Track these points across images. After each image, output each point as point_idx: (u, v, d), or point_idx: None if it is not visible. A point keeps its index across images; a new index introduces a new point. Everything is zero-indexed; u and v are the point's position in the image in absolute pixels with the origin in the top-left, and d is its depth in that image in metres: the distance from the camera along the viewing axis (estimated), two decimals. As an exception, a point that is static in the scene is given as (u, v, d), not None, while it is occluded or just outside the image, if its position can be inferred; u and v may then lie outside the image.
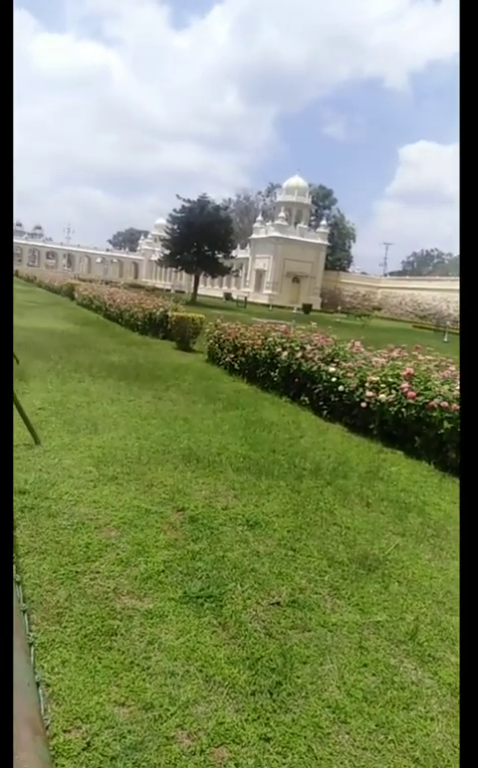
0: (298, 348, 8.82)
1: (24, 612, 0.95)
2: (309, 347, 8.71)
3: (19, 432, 5.15)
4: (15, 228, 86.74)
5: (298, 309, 44.64)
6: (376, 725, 2.29)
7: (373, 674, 2.60)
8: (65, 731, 2.05)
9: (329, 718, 2.30)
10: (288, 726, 2.23)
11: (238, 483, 4.84)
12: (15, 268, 62.69)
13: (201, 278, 47.23)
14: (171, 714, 2.19)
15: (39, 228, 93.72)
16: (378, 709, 2.38)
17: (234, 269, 48.28)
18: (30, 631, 2.43)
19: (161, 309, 15.79)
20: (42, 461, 4.75)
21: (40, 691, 0.75)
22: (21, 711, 0.74)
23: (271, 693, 2.38)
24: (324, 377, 7.96)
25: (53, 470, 4.58)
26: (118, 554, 3.36)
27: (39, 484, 4.22)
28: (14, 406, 4.92)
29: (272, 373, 9.32)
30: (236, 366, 10.68)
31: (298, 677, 2.50)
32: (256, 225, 63.59)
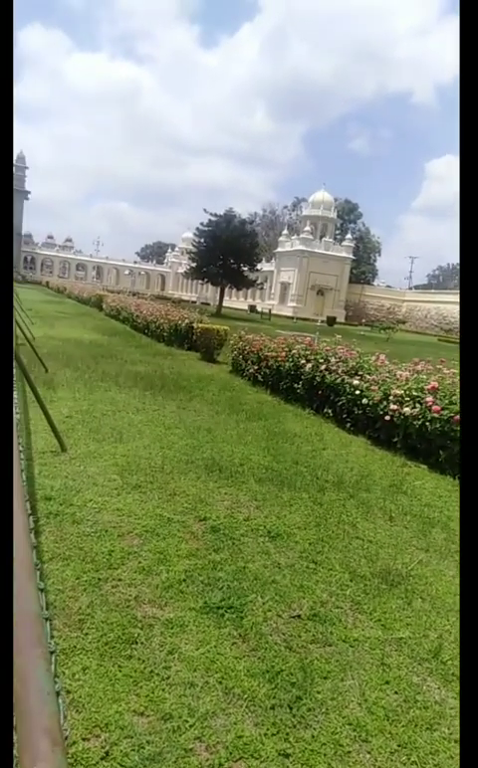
0: (322, 361, 8.80)
1: (47, 620, 0.96)
2: (333, 360, 8.69)
3: (46, 439, 5.23)
4: (46, 240, 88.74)
5: (322, 322, 44.53)
6: (399, 745, 2.24)
7: (396, 693, 2.55)
8: (84, 739, 2.05)
9: (349, 736, 2.26)
10: (308, 743, 2.19)
11: (260, 494, 4.83)
12: (46, 279, 63.95)
13: (226, 290, 47.53)
14: (190, 726, 2.18)
15: (69, 240, 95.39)
16: (401, 729, 2.33)
17: (259, 281, 48.50)
18: (51, 638, 2.45)
19: (187, 321, 15.93)
20: (68, 468, 4.80)
21: (60, 701, 0.75)
22: (40, 721, 0.73)
23: (291, 708, 2.35)
24: (348, 390, 7.92)
25: (78, 477, 4.62)
26: (139, 562, 3.37)
27: (64, 491, 4.27)
28: (43, 413, 5.01)
29: (295, 385, 9.30)
30: (260, 378, 10.70)
31: (318, 693, 2.47)
32: (281, 239, 63.91)
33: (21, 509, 1.45)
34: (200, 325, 14.93)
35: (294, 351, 9.66)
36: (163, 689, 2.35)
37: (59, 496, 4.17)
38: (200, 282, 50.89)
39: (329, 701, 2.42)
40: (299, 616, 3.04)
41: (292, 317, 50.79)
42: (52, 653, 0.93)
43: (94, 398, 7.74)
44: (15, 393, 2.54)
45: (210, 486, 4.87)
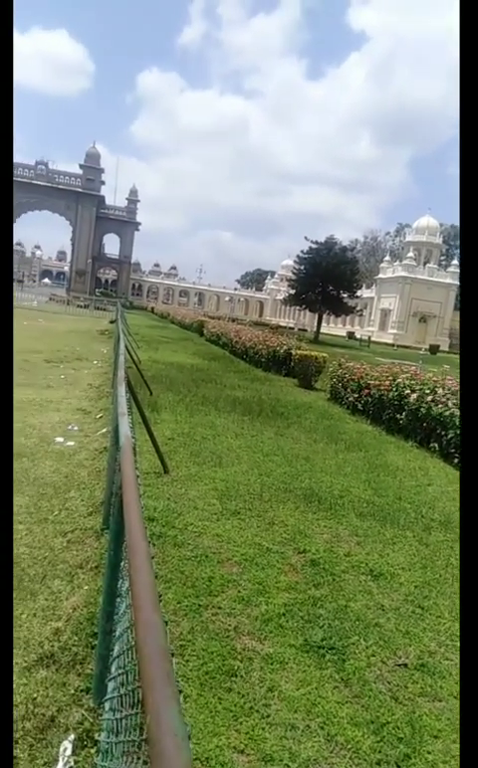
0: (428, 391, 8.45)
1: (173, 655, 0.93)
2: (441, 391, 8.31)
3: (150, 460, 5.39)
4: (153, 268, 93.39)
5: (425, 350, 43.04)
6: None
7: (516, 764, 2.30)
8: (184, 771, 2.03)
9: (464, 807, 2.06)
10: (417, 808, 2.03)
11: (361, 530, 4.66)
12: (151, 305, 67.04)
13: (324, 316, 47.32)
14: (291, 771, 2.09)
15: (174, 268, 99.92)
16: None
17: (358, 308, 47.87)
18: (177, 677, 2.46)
19: (285, 347, 15.99)
20: (170, 490, 4.91)
21: (190, 745, 0.72)
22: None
23: (398, 767, 2.19)
24: (457, 423, 7.52)
25: (179, 499, 4.71)
26: (239, 591, 3.34)
27: (166, 513, 4.36)
28: (148, 435, 5.18)
29: (398, 416, 8.99)
30: (360, 406, 10.45)
31: (428, 753, 2.28)
32: (383, 265, 62.91)
33: (142, 536, 1.46)
34: (298, 352, 14.92)
35: (398, 381, 9.36)
36: (263, 728, 2.28)
37: (161, 518, 4.26)
38: (298, 308, 51.10)
39: (440, 765, 2.24)
40: (405, 665, 2.86)
41: (392, 345, 49.57)
42: (180, 692, 0.92)
43: (194, 421, 7.91)
44: (129, 417, 2.64)
45: (309, 518, 4.77)
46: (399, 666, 2.85)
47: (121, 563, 2.15)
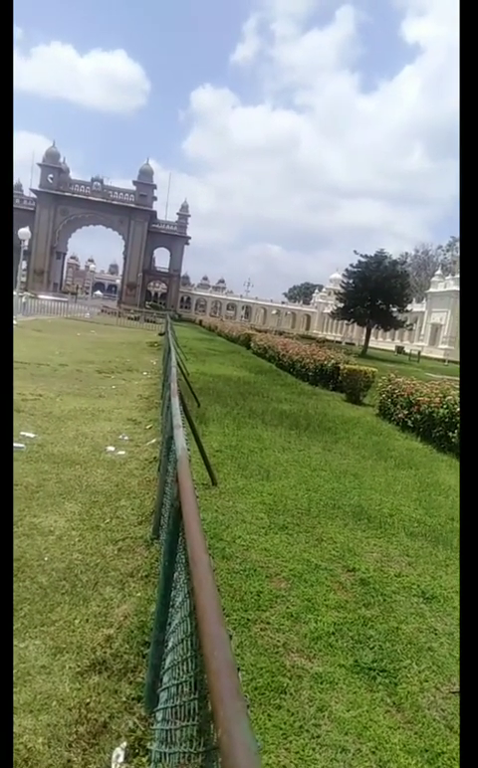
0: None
1: (239, 670, 0.95)
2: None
3: (199, 472, 5.43)
4: (201, 282, 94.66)
5: None
6: None
7: None
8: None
9: None
10: None
11: (412, 550, 4.55)
12: (199, 317, 67.86)
13: (372, 330, 46.72)
14: (341, 796, 2.05)
15: (222, 282, 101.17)
16: None
17: (408, 322, 47.08)
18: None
19: (332, 361, 15.87)
20: (218, 502, 4.93)
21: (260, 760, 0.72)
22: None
23: (453, 799, 2.12)
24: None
25: (227, 512, 4.73)
26: (287, 608, 3.31)
27: (214, 525, 4.38)
28: (197, 447, 5.24)
29: (450, 434, 8.76)
30: (410, 423, 10.25)
31: (485, 787, 2.19)
32: (434, 279, 61.75)
33: (203, 549, 1.47)
34: (347, 366, 14.76)
35: (448, 397, 9.15)
36: (314, 749, 2.24)
37: (210, 530, 4.28)
38: (346, 322, 50.69)
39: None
40: (460, 693, 2.76)
41: (443, 360, 48.42)
42: (247, 706, 0.92)
43: (241, 434, 7.93)
44: (183, 429, 2.68)
45: (358, 536, 4.70)
46: (454, 693, 2.76)
47: (175, 574, 2.17)
